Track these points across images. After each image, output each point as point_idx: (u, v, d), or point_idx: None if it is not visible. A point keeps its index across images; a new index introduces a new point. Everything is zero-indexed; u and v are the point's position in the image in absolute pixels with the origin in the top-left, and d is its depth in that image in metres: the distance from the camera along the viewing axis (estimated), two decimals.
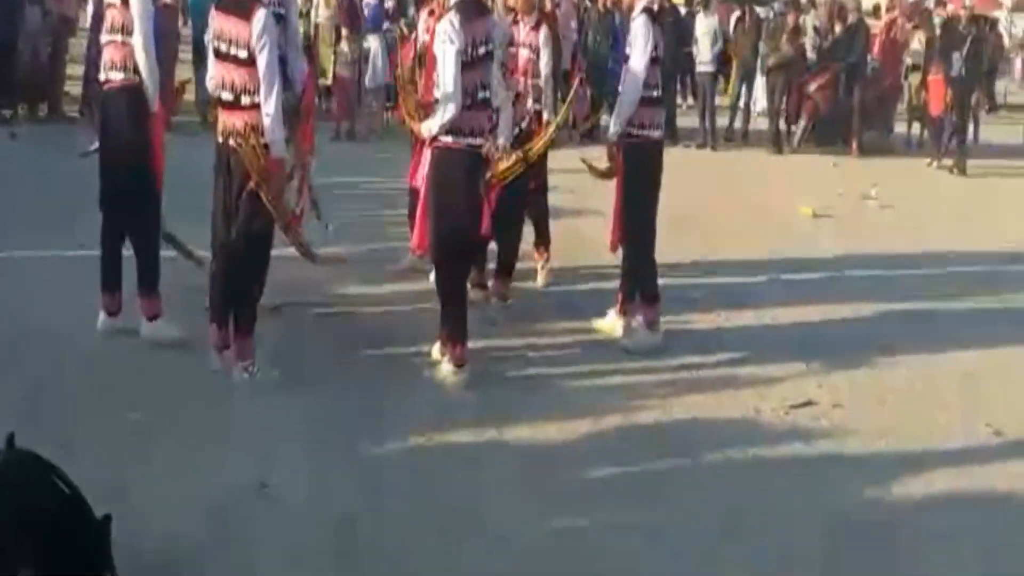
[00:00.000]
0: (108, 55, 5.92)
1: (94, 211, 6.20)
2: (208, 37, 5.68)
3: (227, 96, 5.55)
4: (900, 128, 16.55)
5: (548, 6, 13.53)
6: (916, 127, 16.45)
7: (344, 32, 14.48)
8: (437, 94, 5.80)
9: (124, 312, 6.25)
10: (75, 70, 13.32)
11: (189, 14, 16.50)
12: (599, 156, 6.94)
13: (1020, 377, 6.67)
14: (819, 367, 6.53)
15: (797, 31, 15.63)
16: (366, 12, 15.03)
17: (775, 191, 12.17)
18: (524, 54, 7.31)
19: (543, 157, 7.20)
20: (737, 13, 17.66)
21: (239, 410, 5.44)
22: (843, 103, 15.32)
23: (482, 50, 5.79)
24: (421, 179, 6.77)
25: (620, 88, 6.59)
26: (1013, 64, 18.18)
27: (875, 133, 15.75)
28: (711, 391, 6.08)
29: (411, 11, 16.43)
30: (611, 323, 6.84)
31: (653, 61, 6.43)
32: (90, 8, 13.10)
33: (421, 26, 7.43)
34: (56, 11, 12.81)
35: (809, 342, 6.96)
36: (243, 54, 5.45)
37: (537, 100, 7.33)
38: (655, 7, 6.58)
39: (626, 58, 6.55)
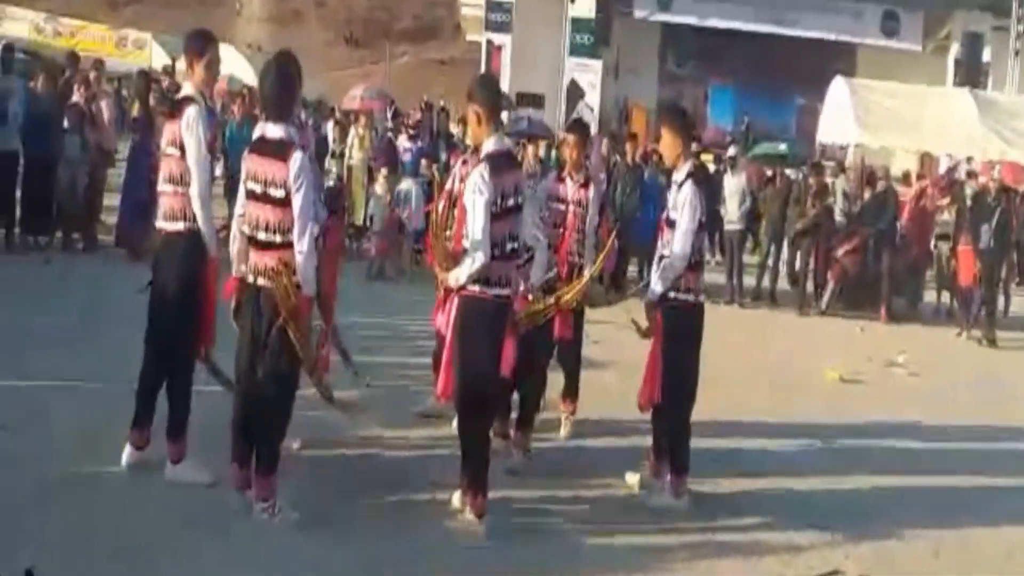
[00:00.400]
0: (166, 204, 6.01)
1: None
2: (241, 178, 5.75)
3: (261, 236, 5.60)
4: (929, 297, 16.53)
5: None
6: (945, 296, 16.43)
7: (383, 172, 14.72)
8: (466, 243, 5.83)
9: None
10: (111, 200, 13.47)
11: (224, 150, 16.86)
12: (635, 310, 6.90)
13: None
14: (845, 536, 6.38)
15: (823, 194, 15.78)
16: (405, 156, 15.33)
17: (802, 353, 12.11)
18: (571, 210, 7.45)
19: (580, 310, 7.27)
20: (768, 173, 17.92)
21: (256, 551, 5.33)
22: (872, 269, 15.35)
23: (511, 202, 5.84)
24: (444, 324, 6.77)
25: (664, 251, 6.52)
26: None
27: (904, 300, 15.72)
28: (735, 556, 5.94)
29: (443, 155, 16.77)
30: (638, 480, 6.74)
31: (699, 227, 6.45)
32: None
33: (456, 173, 7.52)
34: (94, 141, 13.05)
35: (836, 510, 6.83)
36: (279, 194, 5.51)
37: (580, 254, 7.45)
38: (698, 169, 6.63)
39: (669, 221, 6.52)
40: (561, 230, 7.46)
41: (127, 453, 6.14)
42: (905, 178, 17.86)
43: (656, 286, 6.47)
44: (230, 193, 12.02)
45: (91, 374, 7.62)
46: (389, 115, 24.69)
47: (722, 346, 11.82)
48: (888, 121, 21.22)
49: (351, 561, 5.36)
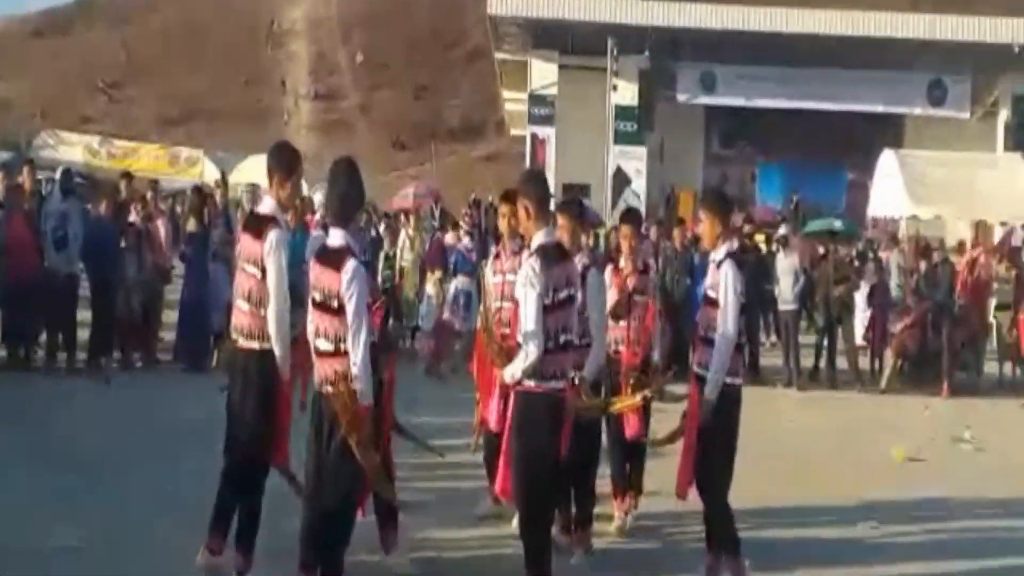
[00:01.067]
0: (244, 322, 6.08)
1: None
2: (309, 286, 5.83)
3: (324, 345, 5.66)
4: (990, 368, 16.25)
5: None
6: (1007, 367, 16.14)
7: (435, 273, 14.82)
8: (519, 337, 5.82)
9: None
10: (169, 316, 13.67)
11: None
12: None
13: None
14: None
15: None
16: (452, 256, 15.44)
17: (865, 434, 11.88)
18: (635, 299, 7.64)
19: (647, 408, 7.38)
20: (821, 251, 17.81)
21: None
22: (932, 343, 15.12)
23: (564, 294, 5.82)
24: (496, 421, 6.77)
25: (707, 332, 6.49)
26: None
27: (966, 374, 15.44)
28: None
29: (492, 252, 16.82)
30: None
31: (740, 308, 6.43)
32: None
33: (489, 270, 7.59)
34: (151, 260, 13.30)
35: None
36: (335, 303, 5.57)
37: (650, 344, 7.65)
38: (737, 250, 6.64)
39: (709, 300, 6.52)
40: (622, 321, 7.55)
41: (202, 554, 6.16)
42: (960, 248, 17.66)
43: (714, 374, 6.38)
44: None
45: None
46: (436, 214, 24.90)
47: (782, 428, 11.74)
48: (939, 191, 21.14)
49: None
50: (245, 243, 6.13)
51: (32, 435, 9.29)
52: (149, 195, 14.70)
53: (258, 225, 6.09)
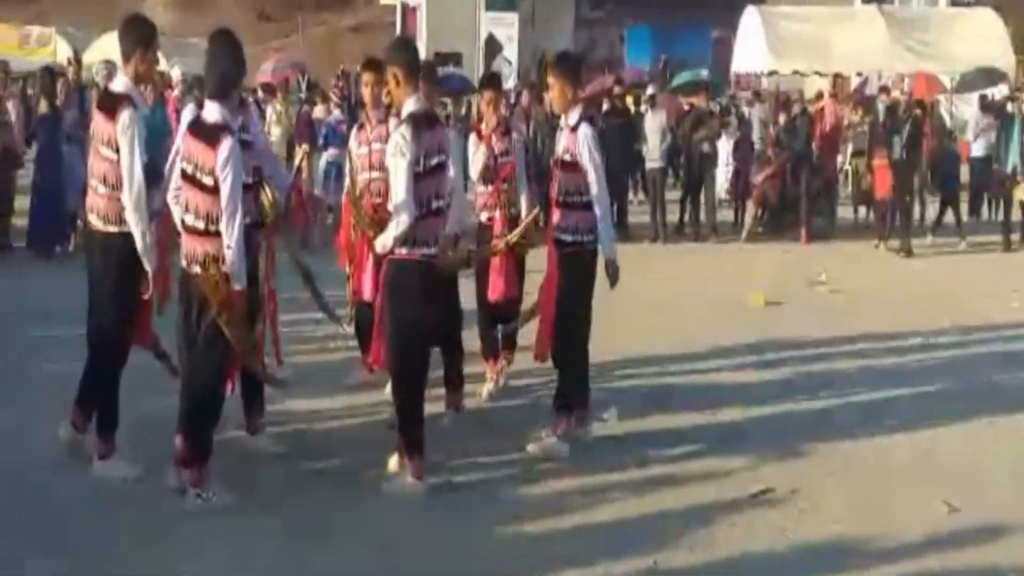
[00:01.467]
0: (100, 205, 5.91)
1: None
2: (177, 156, 5.78)
3: (192, 221, 5.61)
4: (846, 213, 16.87)
5: None
6: (862, 211, 16.78)
7: (303, 147, 14.60)
8: (390, 206, 5.84)
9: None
10: (22, 202, 13.22)
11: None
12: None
13: (976, 454, 6.76)
14: (774, 454, 6.59)
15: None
16: (321, 129, 15.22)
17: (726, 282, 12.28)
18: (499, 162, 7.59)
19: (522, 264, 7.55)
20: (686, 107, 18.12)
21: (191, 533, 5.38)
22: (791, 191, 15.59)
23: (435, 160, 5.83)
24: (368, 292, 6.85)
25: (558, 195, 6.56)
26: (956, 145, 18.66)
27: (823, 219, 16.00)
28: (668, 485, 6.10)
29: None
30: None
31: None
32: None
33: (353, 141, 7.54)
34: (1, 145, 12.83)
35: (764, 430, 7.04)
36: (208, 180, 5.51)
37: (515, 204, 7.62)
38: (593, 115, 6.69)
39: (562, 164, 6.57)
40: (491, 185, 7.60)
41: (65, 428, 6.16)
42: (819, 99, 18.08)
43: (605, 233, 6.51)
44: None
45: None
46: (303, 86, 24.41)
47: (648, 282, 12.05)
48: (799, 46, 21.60)
49: (298, 530, 5.43)
50: (98, 123, 5.93)
51: None
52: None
53: (111, 105, 5.90)
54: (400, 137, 5.75)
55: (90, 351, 6.10)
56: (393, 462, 6.11)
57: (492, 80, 8.51)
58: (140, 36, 5.98)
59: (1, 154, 12.81)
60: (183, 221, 5.68)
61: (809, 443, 6.78)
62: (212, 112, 5.63)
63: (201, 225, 5.56)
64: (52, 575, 4.93)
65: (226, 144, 5.48)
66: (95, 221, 5.99)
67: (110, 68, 13.81)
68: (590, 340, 6.75)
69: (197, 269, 5.59)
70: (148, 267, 5.88)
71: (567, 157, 6.55)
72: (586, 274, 6.55)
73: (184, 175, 5.64)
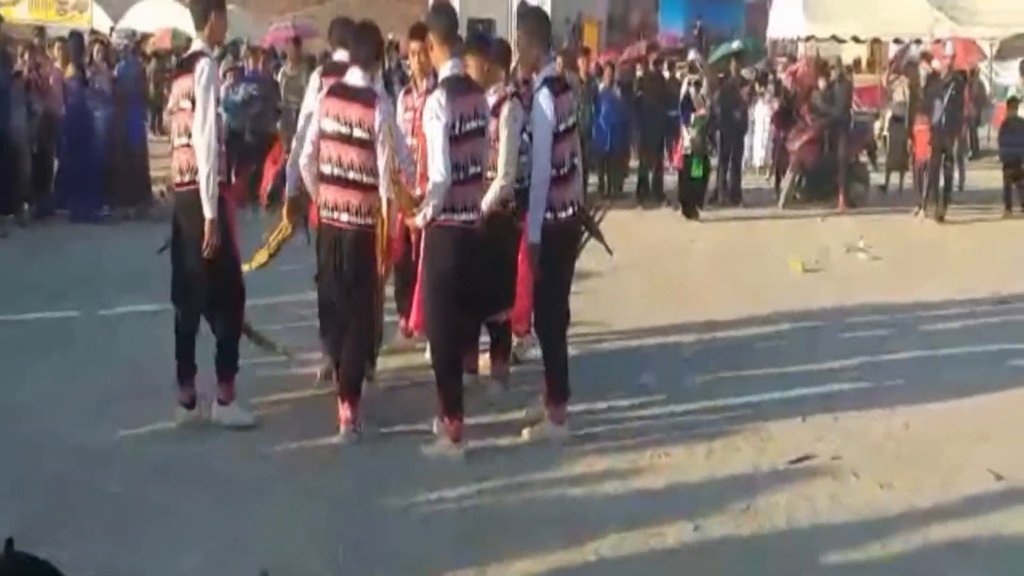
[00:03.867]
0: (182, 159, 6.02)
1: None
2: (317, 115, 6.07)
3: (340, 172, 5.93)
4: (879, 179, 16.77)
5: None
6: (895, 177, 16.66)
7: None
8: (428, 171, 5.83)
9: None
10: None
11: None
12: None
13: (1020, 420, 6.67)
14: (816, 421, 6.56)
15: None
16: None
17: (764, 249, 12.23)
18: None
19: None
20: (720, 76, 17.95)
21: (242, 496, 5.43)
22: (828, 158, 15.45)
23: (471, 125, 5.82)
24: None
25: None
26: (996, 111, 18.45)
27: (860, 186, 15.85)
28: (710, 451, 6.08)
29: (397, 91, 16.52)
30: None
31: (561, 136, 6.03)
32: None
33: (400, 105, 7.48)
34: (42, 108, 12.94)
35: (805, 396, 6.99)
36: (365, 135, 5.86)
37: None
38: (557, 76, 6.31)
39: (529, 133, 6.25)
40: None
41: (177, 413, 6.27)
42: (856, 65, 17.93)
43: (533, 213, 6.05)
44: None
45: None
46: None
47: (685, 250, 12.04)
48: (837, 11, 21.33)
49: (341, 487, 5.48)
50: (178, 83, 6.08)
51: None
52: (36, 42, 14.15)
53: (187, 64, 6.04)
54: (435, 101, 5.75)
55: (184, 315, 6.21)
56: (434, 425, 6.13)
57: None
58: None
59: (42, 119, 12.90)
60: (331, 174, 5.94)
61: (853, 410, 6.74)
62: (357, 77, 5.99)
63: (355, 176, 5.88)
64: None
65: (382, 106, 5.92)
66: (182, 176, 6.07)
67: (129, 37, 13.98)
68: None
69: (346, 218, 5.89)
70: (208, 213, 5.92)
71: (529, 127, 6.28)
72: (561, 248, 6.19)
73: (334, 134, 5.91)
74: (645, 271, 9.93)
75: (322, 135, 5.99)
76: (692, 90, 15.18)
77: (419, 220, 5.84)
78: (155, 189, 13.32)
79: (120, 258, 10.31)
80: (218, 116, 6.05)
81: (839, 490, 5.59)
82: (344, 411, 6.04)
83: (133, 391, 6.69)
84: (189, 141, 5.94)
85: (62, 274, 9.78)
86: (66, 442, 5.93)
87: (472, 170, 5.84)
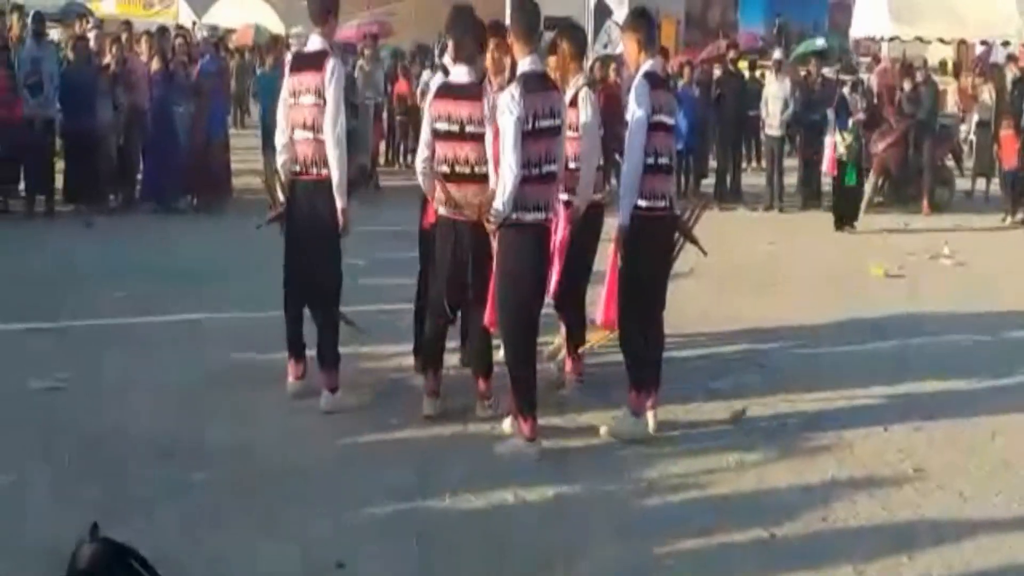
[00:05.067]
0: (305, 151, 6.30)
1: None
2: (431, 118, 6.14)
3: (459, 169, 6.03)
4: (964, 184, 16.43)
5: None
6: (981, 183, 16.33)
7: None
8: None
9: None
10: None
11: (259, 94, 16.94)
12: None
13: None
14: (898, 431, 6.42)
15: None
16: None
17: (846, 253, 12.04)
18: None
19: None
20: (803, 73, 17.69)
21: (319, 481, 5.48)
22: (913, 161, 15.17)
23: (546, 123, 5.78)
24: None
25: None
26: None
27: (946, 191, 15.55)
28: (786, 459, 5.98)
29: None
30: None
31: (655, 127, 6.07)
32: None
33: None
34: (127, 102, 13.17)
35: (886, 405, 6.86)
36: (478, 129, 5.96)
37: None
38: (658, 71, 6.34)
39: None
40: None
41: (290, 384, 6.64)
42: (943, 67, 17.56)
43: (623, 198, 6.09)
44: (267, 140, 11.96)
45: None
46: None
47: (765, 250, 11.89)
48: (923, 11, 20.93)
49: (407, 481, 5.48)
50: (298, 78, 6.32)
51: (9, 281, 9.33)
52: (124, 37, 14.41)
53: (315, 61, 6.31)
54: (509, 96, 5.72)
55: (318, 307, 6.47)
56: (507, 423, 6.12)
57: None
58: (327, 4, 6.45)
59: (128, 112, 13.14)
60: (449, 173, 6.06)
61: (936, 420, 6.59)
62: (462, 74, 6.11)
63: (474, 171, 5.99)
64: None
65: (489, 99, 5.96)
66: (301, 167, 6.35)
67: (212, 32, 14.29)
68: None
69: (471, 213, 5.95)
70: (340, 202, 6.25)
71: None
72: (653, 239, 6.19)
73: (447, 134, 6.02)
74: (721, 273, 9.78)
75: (436, 136, 6.09)
76: (847, 92, 14.92)
77: (493, 219, 5.82)
78: (235, 181, 13.52)
79: (199, 249, 10.48)
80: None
81: (921, 502, 5.46)
82: (481, 385, 6.34)
83: (208, 379, 6.80)
84: (315, 135, 6.22)
85: (142, 264, 9.94)
86: (137, 431, 6.02)
87: (546, 168, 5.81)
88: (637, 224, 6.01)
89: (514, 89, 5.75)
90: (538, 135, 5.75)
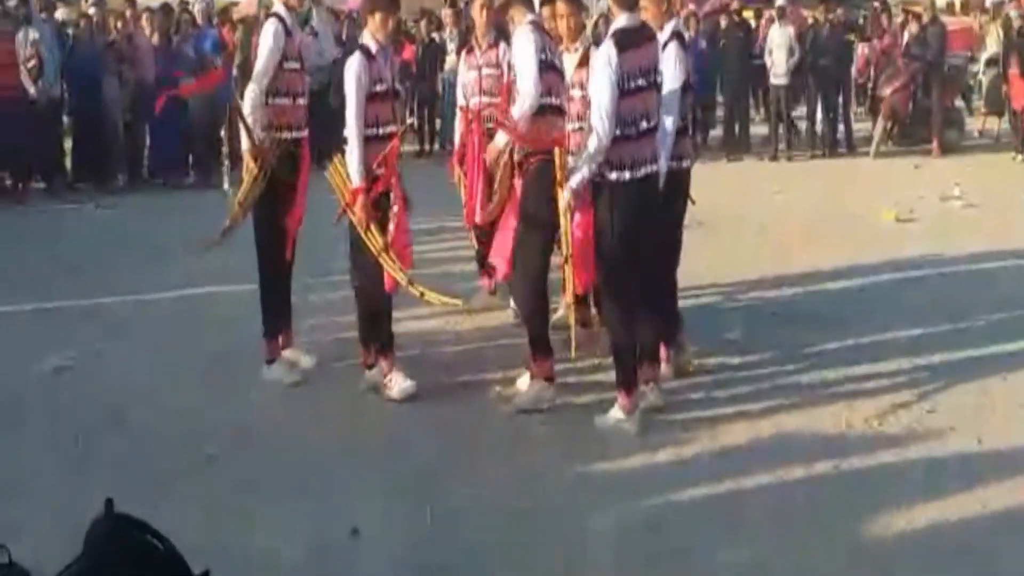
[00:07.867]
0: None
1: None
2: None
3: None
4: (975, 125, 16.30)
5: None
6: (991, 122, 16.20)
7: None
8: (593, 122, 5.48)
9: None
10: None
11: None
12: None
13: None
14: (910, 374, 6.41)
15: None
16: None
17: (856, 197, 11.97)
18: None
19: None
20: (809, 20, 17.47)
21: (334, 453, 5.49)
22: (921, 103, 15.04)
23: (641, 81, 5.51)
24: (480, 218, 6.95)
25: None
26: None
27: (955, 131, 15.43)
28: (799, 405, 5.98)
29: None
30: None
31: (684, 89, 6.02)
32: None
33: (462, 66, 7.50)
34: (133, 78, 13.15)
35: (898, 349, 6.84)
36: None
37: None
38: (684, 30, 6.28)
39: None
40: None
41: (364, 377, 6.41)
42: (950, 8, 17.34)
43: (661, 159, 5.81)
44: None
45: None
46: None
47: (775, 199, 11.84)
48: None
49: (425, 449, 5.49)
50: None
51: (23, 261, 9.39)
52: (128, 13, 14.32)
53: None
54: (605, 56, 5.45)
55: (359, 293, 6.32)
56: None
57: None
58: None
59: (134, 88, 13.10)
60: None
61: (947, 363, 6.57)
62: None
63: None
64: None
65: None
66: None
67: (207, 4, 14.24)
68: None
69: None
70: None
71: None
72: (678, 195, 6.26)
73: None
74: (731, 223, 9.78)
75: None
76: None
77: (574, 182, 5.57)
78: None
79: (207, 224, 10.44)
80: None
81: (934, 445, 5.46)
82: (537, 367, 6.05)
83: (226, 354, 6.82)
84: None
85: (156, 241, 9.97)
86: (149, 408, 6.07)
87: (643, 125, 5.54)
88: (607, 193, 5.57)
89: (609, 47, 5.44)
90: (634, 93, 5.49)
